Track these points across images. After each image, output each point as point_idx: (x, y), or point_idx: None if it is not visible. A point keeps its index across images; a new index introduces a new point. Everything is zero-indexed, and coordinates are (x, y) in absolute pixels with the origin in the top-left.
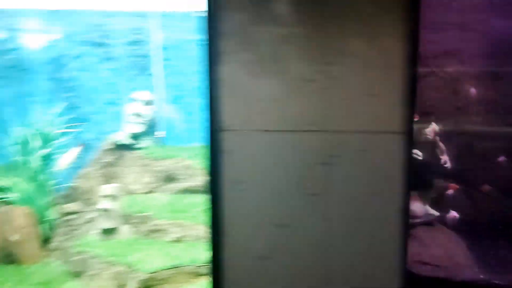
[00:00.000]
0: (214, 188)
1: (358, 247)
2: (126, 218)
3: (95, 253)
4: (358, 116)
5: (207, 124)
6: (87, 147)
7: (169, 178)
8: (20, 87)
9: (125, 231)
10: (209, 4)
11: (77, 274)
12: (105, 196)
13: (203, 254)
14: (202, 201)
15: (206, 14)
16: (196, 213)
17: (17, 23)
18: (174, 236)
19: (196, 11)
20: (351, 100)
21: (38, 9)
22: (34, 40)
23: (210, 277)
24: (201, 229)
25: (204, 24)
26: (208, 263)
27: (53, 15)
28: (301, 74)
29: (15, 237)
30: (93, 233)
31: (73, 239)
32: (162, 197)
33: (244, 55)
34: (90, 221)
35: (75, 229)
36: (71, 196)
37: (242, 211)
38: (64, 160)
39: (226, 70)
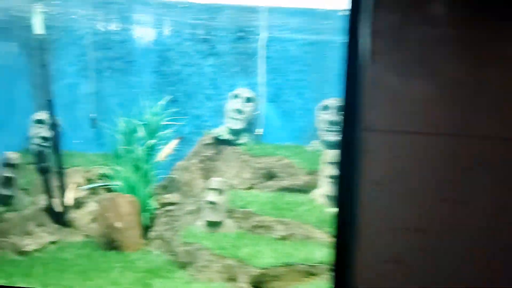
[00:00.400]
0: (349, 187)
1: (498, 259)
2: (230, 212)
3: (203, 245)
4: (508, 123)
5: (346, 123)
6: (185, 140)
7: (269, 176)
8: (126, 78)
9: (229, 225)
10: (353, 3)
11: (183, 265)
12: (212, 189)
13: (316, 253)
14: (305, 200)
15: (348, 13)
16: (301, 212)
17: (127, 14)
18: (280, 233)
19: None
20: (501, 105)
21: (149, 1)
22: (142, 33)
23: (332, 277)
24: (308, 228)
25: (347, 23)
26: (329, 263)
27: (163, 8)
28: (451, 76)
29: (119, 224)
30: (197, 225)
31: (174, 229)
32: (263, 194)
33: (394, 55)
34: (190, 212)
35: (176, 220)
36: (171, 187)
37: (377, 212)
38: (164, 152)
39: (374, 70)
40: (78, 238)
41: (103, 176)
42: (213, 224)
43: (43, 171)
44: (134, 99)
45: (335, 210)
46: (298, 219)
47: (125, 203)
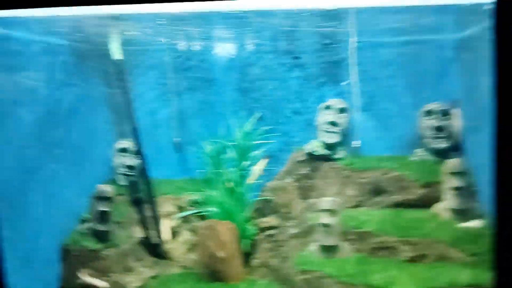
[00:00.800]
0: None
1: None
2: (343, 234)
3: (325, 273)
4: None
5: (503, 123)
6: (275, 158)
7: (376, 191)
8: (208, 98)
9: (345, 248)
10: None
11: None
12: (323, 210)
13: (461, 276)
14: (428, 216)
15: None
16: (428, 230)
17: (205, 32)
18: (407, 254)
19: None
20: None
21: (226, 13)
22: (221, 50)
23: None
24: (441, 247)
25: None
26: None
27: (241, 20)
28: None
29: (221, 253)
30: (310, 250)
31: (281, 256)
32: (377, 212)
33: None
34: (295, 236)
35: (281, 245)
36: (266, 210)
37: None
38: (254, 173)
39: None
40: (175, 270)
41: (195, 203)
42: (328, 249)
43: (137, 203)
44: (217, 120)
45: (489, 224)
46: (425, 237)
47: (225, 230)
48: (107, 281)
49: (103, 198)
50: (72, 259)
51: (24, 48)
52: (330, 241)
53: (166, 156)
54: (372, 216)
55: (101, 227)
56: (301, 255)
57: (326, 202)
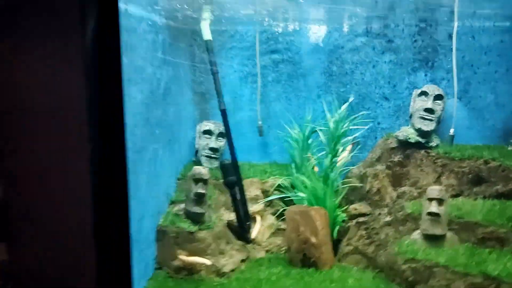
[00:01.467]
0: None
1: None
2: (447, 224)
3: (435, 262)
4: None
5: None
6: (363, 144)
7: (477, 181)
8: (293, 82)
9: (451, 238)
10: None
11: (411, 284)
12: (432, 199)
13: None
14: None
15: None
16: None
17: (294, 13)
18: None
19: None
20: None
21: None
22: (310, 32)
23: None
24: None
25: None
26: None
27: (332, 3)
28: None
29: (314, 239)
30: (413, 239)
31: (375, 244)
32: (481, 202)
33: None
34: (389, 224)
35: (376, 233)
36: (355, 196)
37: None
38: (341, 159)
39: None
40: (260, 254)
41: (280, 187)
42: (434, 238)
43: (229, 185)
44: (303, 104)
45: None
46: None
47: (319, 216)
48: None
49: (199, 180)
50: (169, 240)
51: (136, 25)
52: (438, 231)
53: (249, 140)
54: (475, 206)
55: (196, 209)
56: (403, 244)
57: (434, 190)
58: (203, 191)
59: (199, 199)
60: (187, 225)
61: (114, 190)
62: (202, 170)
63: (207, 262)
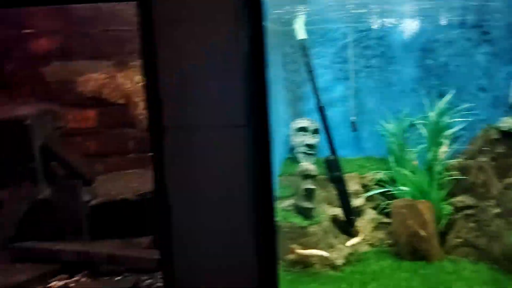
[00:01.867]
0: None
1: None
2: None
3: None
4: None
5: None
6: (461, 136)
7: None
8: (386, 76)
9: None
10: None
11: None
12: None
13: None
14: None
15: None
16: None
17: (386, 7)
18: None
19: None
20: None
21: None
22: (403, 25)
23: None
24: None
25: None
26: None
27: None
28: None
29: (423, 232)
30: None
31: (487, 236)
32: None
33: None
34: (498, 216)
35: (486, 225)
36: (457, 189)
37: None
38: (441, 152)
39: None
40: (364, 248)
41: (380, 181)
42: None
43: (335, 181)
44: (397, 98)
45: None
46: None
47: (426, 209)
48: (315, 257)
49: (307, 176)
50: (283, 235)
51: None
52: None
53: (343, 135)
54: None
55: (306, 204)
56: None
57: None
58: (312, 187)
59: (309, 194)
60: (298, 220)
61: (265, 193)
62: (309, 167)
63: (325, 253)
